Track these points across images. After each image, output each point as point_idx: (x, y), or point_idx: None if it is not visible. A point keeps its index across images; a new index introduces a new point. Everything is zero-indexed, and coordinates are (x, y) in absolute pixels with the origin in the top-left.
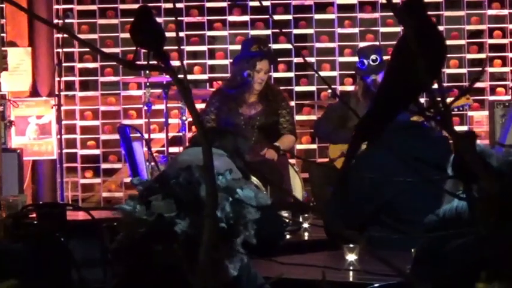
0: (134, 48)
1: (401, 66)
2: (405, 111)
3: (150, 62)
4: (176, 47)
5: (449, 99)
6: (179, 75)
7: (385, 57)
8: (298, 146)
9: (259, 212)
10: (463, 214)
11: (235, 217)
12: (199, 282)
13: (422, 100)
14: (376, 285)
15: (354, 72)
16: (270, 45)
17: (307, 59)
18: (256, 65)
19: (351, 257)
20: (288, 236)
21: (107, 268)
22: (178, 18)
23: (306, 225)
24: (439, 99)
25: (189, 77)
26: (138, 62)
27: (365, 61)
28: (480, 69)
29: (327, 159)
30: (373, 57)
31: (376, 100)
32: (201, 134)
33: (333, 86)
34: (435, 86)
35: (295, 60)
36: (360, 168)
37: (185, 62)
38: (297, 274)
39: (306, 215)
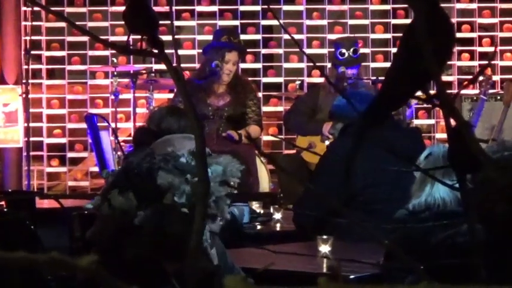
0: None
1: (409, 54)
2: (411, 99)
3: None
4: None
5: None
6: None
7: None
8: (265, 138)
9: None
10: (432, 207)
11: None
12: (188, 271)
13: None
14: (352, 276)
15: (322, 64)
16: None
17: (273, 50)
18: (225, 56)
19: (325, 248)
20: (258, 227)
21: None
22: None
23: (276, 216)
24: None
25: (156, 66)
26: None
27: (346, 52)
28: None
29: (294, 151)
30: (353, 49)
31: (382, 88)
32: (196, 123)
33: (300, 78)
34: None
35: (263, 51)
36: (332, 158)
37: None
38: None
39: (277, 206)
